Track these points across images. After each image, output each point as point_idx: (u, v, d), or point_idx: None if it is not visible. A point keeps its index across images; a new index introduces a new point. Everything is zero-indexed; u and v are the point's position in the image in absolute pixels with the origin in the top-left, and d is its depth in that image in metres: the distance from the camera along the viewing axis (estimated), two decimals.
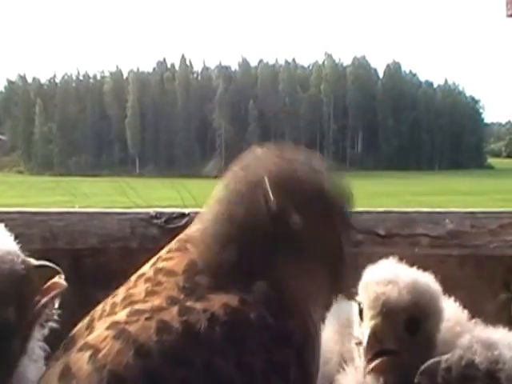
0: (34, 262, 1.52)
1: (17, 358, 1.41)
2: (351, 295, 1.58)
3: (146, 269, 1.30)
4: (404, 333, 1.49)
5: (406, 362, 1.47)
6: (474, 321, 1.61)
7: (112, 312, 1.22)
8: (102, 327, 1.17)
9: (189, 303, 1.15)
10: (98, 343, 1.12)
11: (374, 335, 1.46)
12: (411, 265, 1.77)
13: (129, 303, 1.21)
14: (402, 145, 75.61)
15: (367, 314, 1.51)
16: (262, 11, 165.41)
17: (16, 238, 1.73)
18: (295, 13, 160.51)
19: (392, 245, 2.01)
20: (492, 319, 1.60)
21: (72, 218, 2.07)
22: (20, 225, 2.00)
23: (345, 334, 1.64)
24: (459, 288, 1.69)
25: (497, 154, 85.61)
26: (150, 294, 1.21)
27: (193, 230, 1.32)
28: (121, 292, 1.28)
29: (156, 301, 1.18)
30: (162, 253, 1.32)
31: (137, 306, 1.19)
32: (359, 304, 1.55)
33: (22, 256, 1.49)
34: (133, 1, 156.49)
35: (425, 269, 2.00)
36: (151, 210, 2.07)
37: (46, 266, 1.53)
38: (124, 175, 66.16)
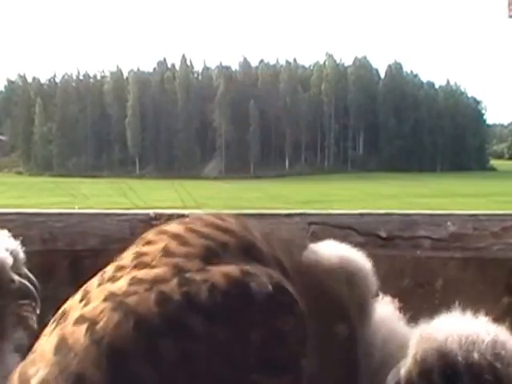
0: (18, 278, 1.62)
1: None
2: None
3: (175, 226, 1.30)
4: None
5: None
6: None
7: (114, 278, 1.20)
8: (99, 298, 1.14)
9: (188, 274, 1.14)
10: (95, 316, 1.10)
11: None
12: (413, 267, 1.75)
13: (137, 264, 1.20)
14: (403, 146, 75.62)
15: None
16: (263, 11, 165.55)
17: (15, 239, 1.72)
18: (296, 13, 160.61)
19: (393, 247, 2.00)
20: (495, 323, 1.58)
21: (71, 219, 2.06)
22: (19, 226, 1.99)
23: None
24: (462, 291, 1.68)
25: (499, 156, 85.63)
26: (165, 255, 1.20)
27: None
28: (130, 252, 1.26)
29: (163, 268, 1.16)
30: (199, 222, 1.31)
31: (140, 274, 1.16)
32: None
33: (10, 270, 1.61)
34: (133, 1, 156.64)
35: (427, 271, 1.99)
36: (151, 211, 2.06)
37: (28, 288, 1.63)
38: (124, 176, 66.33)
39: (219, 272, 1.14)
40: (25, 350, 1.67)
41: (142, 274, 1.16)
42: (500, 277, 1.96)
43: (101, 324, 1.08)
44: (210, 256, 1.19)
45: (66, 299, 1.45)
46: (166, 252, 1.20)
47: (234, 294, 1.12)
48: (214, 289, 1.12)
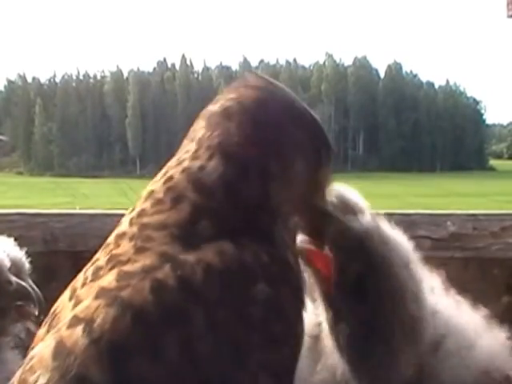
0: (15, 279, 1.62)
1: None
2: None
3: (126, 227, 1.20)
4: None
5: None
6: None
7: (96, 277, 1.14)
8: (90, 296, 1.09)
9: (181, 256, 1.10)
10: (90, 314, 1.05)
11: None
12: None
13: (116, 264, 1.13)
14: (403, 146, 75.48)
15: None
16: (263, 11, 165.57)
17: (16, 240, 1.72)
18: (296, 13, 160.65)
19: None
20: (495, 322, 1.59)
21: (73, 220, 2.06)
22: (20, 227, 1.99)
23: None
24: (462, 291, 1.68)
25: (499, 156, 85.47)
26: (139, 251, 1.13)
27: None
28: (102, 256, 1.19)
29: (147, 259, 1.11)
30: (146, 206, 1.22)
31: (126, 268, 1.11)
32: None
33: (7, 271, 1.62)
34: (133, 1, 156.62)
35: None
36: None
37: (26, 289, 1.63)
38: (124, 176, 66.17)
39: (212, 250, 1.11)
40: (24, 353, 1.68)
41: (128, 267, 1.11)
42: (500, 276, 1.96)
43: (98, 322, 1.04)
44: (198, 219, 1.15)
45: None
46: (138, 249, 1.14)
47: (230, 272, 1.10)
48: (209, 269, 1.09)
